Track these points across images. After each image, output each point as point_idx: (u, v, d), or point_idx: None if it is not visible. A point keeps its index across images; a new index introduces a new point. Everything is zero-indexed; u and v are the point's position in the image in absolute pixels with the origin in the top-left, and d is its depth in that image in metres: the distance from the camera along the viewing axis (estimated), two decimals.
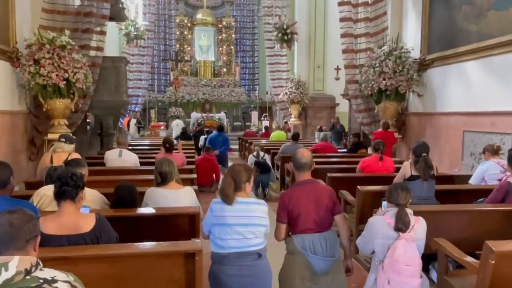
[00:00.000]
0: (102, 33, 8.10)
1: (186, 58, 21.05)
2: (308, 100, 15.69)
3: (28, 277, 1.49)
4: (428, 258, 3.62)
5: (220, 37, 21.82)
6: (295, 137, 8.81)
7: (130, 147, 7.12)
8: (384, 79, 8.05)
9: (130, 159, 5.98)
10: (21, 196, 3.38)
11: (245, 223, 2.61)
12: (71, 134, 6.13)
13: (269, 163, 8.07)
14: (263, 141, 11.88)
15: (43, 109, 7.07)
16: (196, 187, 4.36)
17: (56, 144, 4.90)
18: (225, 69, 21.63)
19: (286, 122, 16.33)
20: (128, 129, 14.54)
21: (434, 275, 3.70)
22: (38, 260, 1.57)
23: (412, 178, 4.17)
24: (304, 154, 3.06)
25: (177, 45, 21.30)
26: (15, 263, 1.48)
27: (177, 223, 3.31)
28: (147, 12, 16.84)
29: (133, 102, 16.99)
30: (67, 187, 2.43)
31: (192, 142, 11.72)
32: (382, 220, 2.82)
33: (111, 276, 2.43)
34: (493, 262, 2.46)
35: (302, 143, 10.58)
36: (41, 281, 1.50)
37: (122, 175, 5.24)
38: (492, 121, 6.27)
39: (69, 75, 6.78)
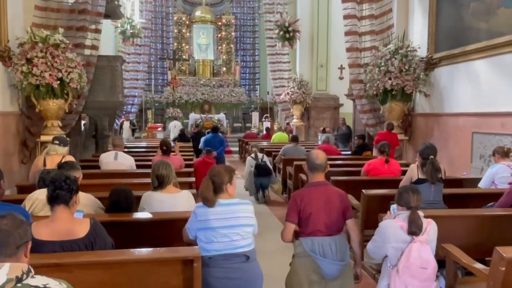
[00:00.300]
0: (97, 31, 8.10)
1: (184, 57, 21.08)
2: (310, 100, 15.69)
3: (19, 284, 1.49)
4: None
5: (219, 35, 21.85)
6: (295, 139, 8.93)
7: (126, 150, 7.13)
8: (389, 78, 8.05)
9: (126, 162, 5.98)
10: (12, 201, 3.38)
11: (230, 224, 2.64)
12: (65, 136, 6.12)
13: (270, 165, 8.08)
14: (264, 143, 11.89)
15: (36, 110, 7.07)
16: (194, 190, 4.36)
17: (49, 147, 4.90)
18: (224, 69, 21.66)
19: (288, 123, 16.33)
20: (121, 132, 14.41)
21: (442, 282, 3.69)
22: (30, 267, 1.57)
23: (419, 181, 4.17)
24: (319, 155, 3.10)
25: (175, 44, 21.33)
26: (5, 271, 1.48)
27: (175, 228, 3.30)
28: (143, 9, 16.86)
29: (129, 103, 16.99)
30: (61, 191, 2.43)
31: (190, 144, 11.72)
32: (394, 223, 2.85)
33: (106, 284, 2.42)
34: (503, 269, 2.45)
35: (304, 145, 10.59)
36: None
37: (118, 178, 5.25)
38: (502, 122, 6.26)
39: (63, 74, 6.79)
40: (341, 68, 15.78)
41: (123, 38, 15.00)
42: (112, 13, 9.54)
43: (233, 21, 21.92)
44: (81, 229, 2.48)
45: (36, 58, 6.62)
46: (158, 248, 2.60)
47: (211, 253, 2.63)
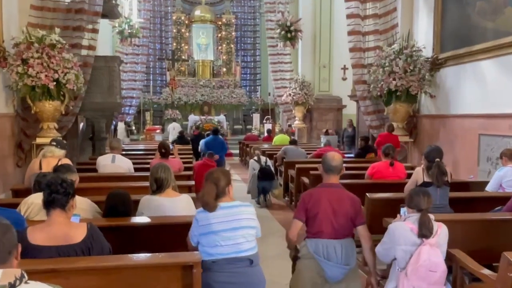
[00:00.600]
0: (94, 31, 8.13)
1: (183, 57, 21.10)
2: (313, 101, 15.70)
3: None
4: None
5: (219, 35, 21.88)
6: (294, 142, 9.18)
7: (123, 152, 7.13)
8: (394, 79, 8.05)
9: (123, 165, 5.99)
10: (7, 205, 3.38)
11: (233, 227, 2.67)
12: (61, 139, 6.13)
13: (273, 169, 8.11)
14: (266, 146, 11.88)
15: (32, 112, 7.09)
16: (194, 194, 4.36)
17: (46, 148, 4.91)
18: (224, 69, 21.68)
19: (290, 125, 16.33)
20: (116, 134, 14.31)
21: None
22: (23, 272, 1.57)
23: (424, 185, 4.16)
24: (335, 157, 3.15)
25: (174, 44, 21.36)
26: None
27: (174, 233, 3.30)
28: (142, 8, 16.89)
29: (127, 104, 17.01)
30: (57, 194, 2.43)
31: (189, 146, 11.72)
32: (404, 226, 2.88)
33: None
34: (511, 275, 2.44)
35: (306, 147, 10.61)
36: None
37: (115, 182, 5.25)
38: (510, 124, 6.26)
39: (59, 75, 6.80)
40: (344, 68, 15.78)
41: (121, 38, 15.02)
42: (110, 12, 9.57)
43: (233, 20, 21.96)
44: (78, 234, 2.48)
45: (31, 59, 6.63)
46: (156, 254, 2.60)
47: (215, 257, 2.64)
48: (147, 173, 3.79)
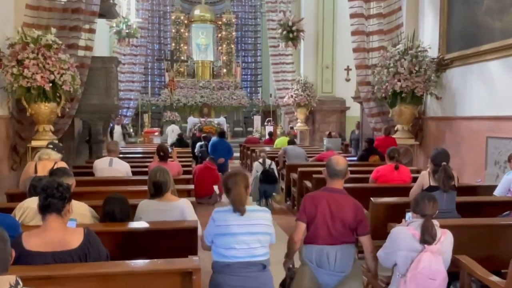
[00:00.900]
0: (91, 31, 8.14)
1: (182, 58, 21.15)
2: (315, 103, 15.70)
3: None
4: (449, 277, 3.59)
5: (219, 35, 21.93)
6: (292, 142, 9.33)
7: (121, 156, 7.13)
8: (399, 80, 8.04)
9: (121, 168, 5.99)
10: (2, 209, 3.39)
11: (250, 231, 2.72)
12: (58, 143, 6.14)
13: (276, 172, 8.11)
14: (267, 149, 11.88)
15: (27, 114, 7.09)
16: (193, 199, 4.36)
17: (42, 151, 4.91)
18: (225, 70, 21.72)
19: (292, 128, 16.33)
20: (112, 137, 14.22)
21: None
22: (18, 279, 1.57)
23: (430, 189, 4.15)
24: (339, 161, 3.19)
25: (173, 44, 21.42)
26: None
27: (173, 239, 3.30)
28: (140, 8, 16.93)
29: (125, 106, 17.04)
30: (53, 199, 2.44)
31: (189, 149, 11.74)
32: (407, 231, 2.88)
33: None
34: None
35: (309, 151, 10.60)
36: None
37: (113, 185, 5.25)
38: None
39: (55, 76, 6.81)
40: (348, 69, 15.79)
41: (119, 38, 15.04)
42: (107, 12, 9.59)
43: (233, 20, 22.01)
44: (74, 240, 2.48)
45: (27, 60, 6.64)
46: (155, 260, 2.60)
47: (229, 259, 2.69)
48: (145, 177, 3.80)
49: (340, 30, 15.30)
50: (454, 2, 7.87)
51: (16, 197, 4.54)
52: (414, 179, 5.10)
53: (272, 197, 8.08)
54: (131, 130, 17.20)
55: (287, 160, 8.62)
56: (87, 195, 4.43)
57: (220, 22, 21.81)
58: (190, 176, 6.49)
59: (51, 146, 4.93)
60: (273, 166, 8.02)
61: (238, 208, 2.73)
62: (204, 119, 18.67)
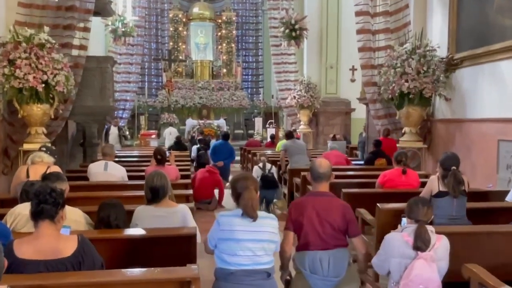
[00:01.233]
0: (86, 29, 8.16)
1: (180, 57, 21.20)
2: (319, 104, 15.70)
3: None
4: None
5: (219, 33, 21.98)
6: (290, 136, 9.04)
7: (116, 159, 7.13)
8: (406, 81, 8.04)
9: (116, 173, 6.00)
10: None
11: (256, 238, 2.73)
12: (52, 146, 6.14)
13: (276, 177, 8.10)
14: (269, 152, 11.88)
15: (19, 116, 7.09)
16: (192, 204, 4.36)
17: (35, 153, 4.92)
18: (224, 70, 21.75)
19: (294, 130, 16.32)
20: (107, 140, 14.24)
21: None
22: None
23: (440, 194, 4.16)
24: (322, 163, 3.24)
25: (171, 43, 21.46)
26: None
27: (171, 247, 3.30)
28: (136, 6, 17.01)
29: (121, 108, 17.07)
30: (46, 205, 2.44)
31: (187, 153, 11.76)
32: (400, 237, 2.91)
33: None
34: None
35: (312, 154, 10.58)
36: None
37: (108, 191, 5.27)
38: None
39: (48, 77, 6.82)
40: (353, 69, 15.79)
41: (114, 37, 15.07)
42: (102, 10, 9.61)
43: (234, 18, 22.04)
44: (68, 247, 2.48)
45: (19, 59, 6.65)
46: (152, 269, 2.60)
47: (232, 267, 2.71)
48: (142, 182, 3.80)
49: (345, 28, 15.32)
50: None
51: (7, 203, 4.53)
52: (423, 184, 5.10)
53: (273, 203, 8.06)
54: (127, 133, 17.22)
55: (289, 158, 8.46)
56: (81, 200, 4.43)
57: (220, 20, 21.85)
58: (188, 181, 6.49)
59: (44, 149, 4.94)
60: (273, 170, 8.00)
61: (251, 214, 2.73)
62: (203, 121, 18.67)
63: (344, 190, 5.45)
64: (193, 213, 3.73)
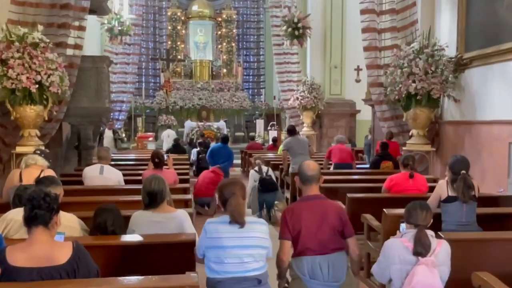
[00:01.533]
0: (81, 28, 8.18)
1: (179, 57, 21.23)
2: (323, 106, 15.70)
3: None
4: None
5: (219, 32, 22.01)
6: (291, 132, 8.83)
7: (113, 163, 7.14)
8: (413, 81, 8.04)
9: (112, 177, 6.00)
10: None
11: (244, 244, 2.75)
12: (46, 149, 6.15)
13: (275, 179, 8.07)
14: (270, 155, 11.88)
15: (11, 118, 7.11)
16: (191, 209, 4.36)
17: (28, 156, 4.92)
18: (225, 70, 21.78)
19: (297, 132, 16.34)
20: (101, 143, 14.16)
21: None
22: None
23: (449, 199, 4.15)
24: (310, 165, 3.30)
25: (169, 42, 21.50)
26: None
27: (169, 253, 3.30)
28: (133, 3, 17.02)
29: (117, 109, 17.09)
30: (39, 210, 2.44)
31: (186, 156, 11.77)
32: (399, 243, 2.93)
33: None
34: None
35: (316, 157, 10.58)
36: None
37: (104, 195, 5.26)
38: None
39: (42, 77, 6.83)
40: (358, 69, 15.81)
41: (110, 36, 15.11)
42: (98, 8, 9.64)
43: (234, 16, 22.08)
44: (62, 254, 2.48)
45: (12, 59, 6.66)
46: (149, 276, 2.60)
47: (220, 275, 2.72)
48: (139, 186, 3.80)
49: (349, 27, 15.33)
50: None
51: None
52: (431, 189, 5.09)
53: (274, 206, 8.04)
54: (123, 135, 17.23)
55: (291, 158, 8.33)
56: (76, 205, 4.44)
57: (219, 19, 21.89)
58: (187, 185, 6.49)
59: (38, 151, 4.94)
60: (271, 172, 7.97)
61: (239, 220, 2.76)
62: (202, 123, 18.69)
63: (349, 195, 5.45)
64: (192, 218, 3.73)
